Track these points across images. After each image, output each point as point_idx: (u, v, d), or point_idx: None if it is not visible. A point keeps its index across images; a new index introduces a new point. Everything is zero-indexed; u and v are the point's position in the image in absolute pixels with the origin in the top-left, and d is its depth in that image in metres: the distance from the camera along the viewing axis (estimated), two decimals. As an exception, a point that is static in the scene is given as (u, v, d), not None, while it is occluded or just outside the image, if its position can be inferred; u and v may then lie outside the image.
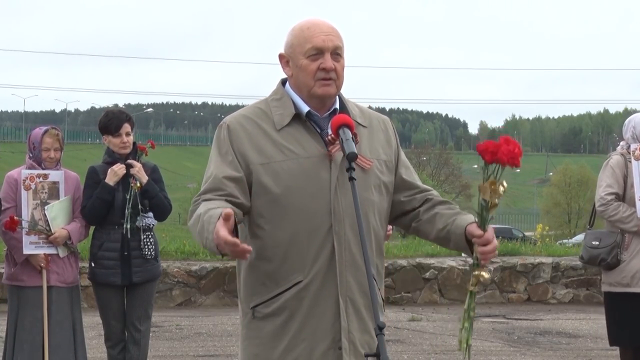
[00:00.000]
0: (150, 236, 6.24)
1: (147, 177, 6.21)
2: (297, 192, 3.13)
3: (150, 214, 6.27)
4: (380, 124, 3.37)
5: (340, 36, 3.24)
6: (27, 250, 6.09)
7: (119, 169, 6.18)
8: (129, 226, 6.14)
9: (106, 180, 6.15)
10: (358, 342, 3.17)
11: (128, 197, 6.15)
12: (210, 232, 2.89)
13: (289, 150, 3.16)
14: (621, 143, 6.17)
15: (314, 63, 3.16)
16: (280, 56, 3.26)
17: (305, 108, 3.22)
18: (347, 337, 3.14)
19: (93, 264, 6.24)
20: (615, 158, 6.07)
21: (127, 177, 6.20)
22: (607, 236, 6.06)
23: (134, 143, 6.34)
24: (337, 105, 3.26)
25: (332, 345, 3.14)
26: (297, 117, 3.21)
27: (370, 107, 3.48)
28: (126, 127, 6.23)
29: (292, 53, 3.21)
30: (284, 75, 3.31)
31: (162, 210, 6.31)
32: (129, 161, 6.22)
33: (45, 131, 6.20)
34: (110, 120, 6.24)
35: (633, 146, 5.95)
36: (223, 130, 3.22)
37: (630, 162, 5.96)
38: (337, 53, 3.19)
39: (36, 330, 6.12)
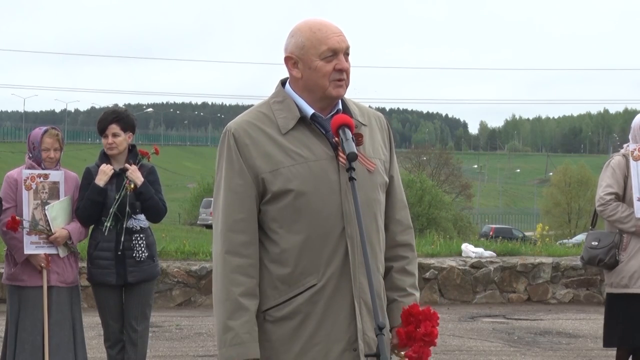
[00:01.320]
0: (141, 238, 6.21)
1: (142, 179, 6.18)
2: (309, 195, 3.12)
3: (141, 216, 6.24)
4: (377, 121, 3.36)
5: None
6: (28, 250, 6.09)
7: (107, 168, 6.16)
8: (108, 224, 6.12)
9: (95, 181, 6.14)
10: (372, 342, 3.16)
11: (117, 196, 6.13)
12: (230, 347, 3.09)
13: (297, 155, 3.14)
14: (624, 145, 6.17)
15: (329, 64, 3.15)
16: (288, 58, 3.21)
17: (309, 110, 3.20)
18: (362, 338, 3.15)
19: (90, 264, 6.23)
20: (616, 159, 6.08)
21: (122, 178, 6.19)
22: (606, 237, 6.07)
23: (134, 146, 6.33)
24: (340, 106, 3.25)
25: (347, 347, 3.14)
26: (302, 119, 3.18)
27: (370, 107, 3.48)
28: (112, 128, 6.18)
29: (303, 55, 3.17)
30: (284, 75, 3.29)
31: (156, 212, 6.27)
32: (126, 165, 6.21)
33: (45, 131, 6.20)
34: (99, 122, 6.25)
35: (632, 146, 5.96)
36: (229, 138, 3.19)
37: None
38: (347, 53, 3.19)
39: (37, 331, 6.12)
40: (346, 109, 3.25)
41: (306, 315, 3.13)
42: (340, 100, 3.26)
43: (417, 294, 3.34)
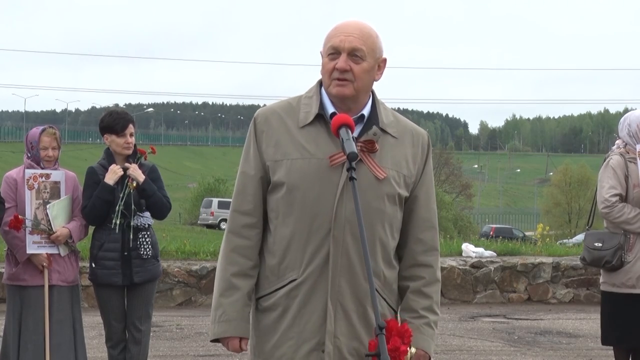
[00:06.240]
0: (146, 235, 6.24)
1: (143, 176, 6.22)
2: (304, 191, 3.15)
3: (147, 214, 6.27)
4: (414, 137, 3.34)
5: (367, 39, 3.18)
6: (30, 250, 6.09)
7: (116, 168, 6.19)
8: (118, 222, 6.14)
9: (105, 180, 6.16)
10: (345, 347, 3.17)
11: (121, 194, 6.16)
12: (219, 323, 3.27)
13: (305, 150, 3.17)
14: (617, 142, 6.12)
15: (332, 62, 3.18)
16: (321, 53, 3.30)
17: (330, 109, 3.21)
18: (332, 340, 3.15)
19: (94, 265, 6.23)
20: (615, 158, 6.00)
21: (124, 177, 6.21)
22: (610, 238, 5.97)
23: (134, 145, 6.36)
24: (366, 111, 3.24)
25: (316, 347, 3.16)
26: (322, 117, 3.21)
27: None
28: (130, 127, 6.27)
29: (322, 51, 3.25)
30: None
31: (160, 209, 6.31)
32: (126, 164, 6.24)
33: (43, 130, 6.21)
34: (116, 120, 6.24)
35: (639, 147, 5.89)
36: (253, 123, 3.29)
37: (630, 162, 5.91)
38: (355, 55, 3.16)
39: (39, 330, 6.12)
40: (374, 115, 3.23)
41: (284, 309, 3.20)
42: (370, 106, 3.25)
43: (432, 317, 3.28)
